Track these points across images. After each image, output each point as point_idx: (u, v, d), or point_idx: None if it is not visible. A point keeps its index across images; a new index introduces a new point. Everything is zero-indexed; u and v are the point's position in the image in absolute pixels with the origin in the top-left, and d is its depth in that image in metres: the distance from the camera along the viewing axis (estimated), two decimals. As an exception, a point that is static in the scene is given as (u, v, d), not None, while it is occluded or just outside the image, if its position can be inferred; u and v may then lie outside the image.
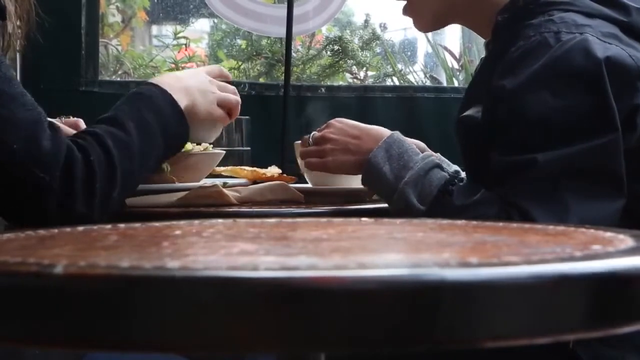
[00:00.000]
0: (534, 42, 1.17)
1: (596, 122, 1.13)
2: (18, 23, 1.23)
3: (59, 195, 1.08)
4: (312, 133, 1.40)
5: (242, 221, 0.82)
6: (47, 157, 1.08)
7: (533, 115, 1.15)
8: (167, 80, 1.29)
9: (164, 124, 1.23)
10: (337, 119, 1.38)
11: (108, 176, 1.12)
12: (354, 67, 3.10)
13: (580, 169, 1.13)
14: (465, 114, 1.28)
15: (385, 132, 1.31)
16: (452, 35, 3.54)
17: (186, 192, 1.32)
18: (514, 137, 1.17)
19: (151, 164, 1.23)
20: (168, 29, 3.70)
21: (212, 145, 1.48)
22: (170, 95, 1.26)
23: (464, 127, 1.27)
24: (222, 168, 1.54)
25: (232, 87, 1.40)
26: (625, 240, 0.61)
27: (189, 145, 1.44)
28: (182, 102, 1.27)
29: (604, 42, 1.16)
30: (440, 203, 1.19)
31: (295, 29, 2.43)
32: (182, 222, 0.81)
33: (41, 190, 1.08)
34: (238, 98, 1.39)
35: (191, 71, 1.46)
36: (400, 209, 1.23)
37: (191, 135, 1.32)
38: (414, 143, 1.32)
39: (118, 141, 1.16)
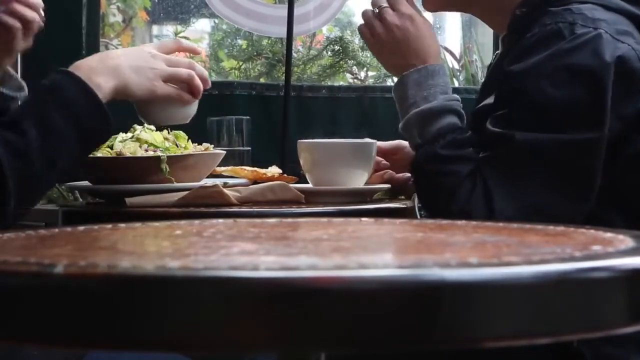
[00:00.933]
0: (548, 31, 1.18)
1: (585, 119, 1.14)
2: None
3: None
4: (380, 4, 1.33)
5: (242, 221, 0.82)
6: None
7: (528, 98, 1.16)
8: (88, 64, 1.19)
9: (76, 119, 1.14)
10: (405, 12, 1.32)
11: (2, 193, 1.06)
12: (355, 67, 3.10)
13: (552, 159, 1.14)
14: (480, 105, 1.29)
15: (431, 53, 1.30)
16: (452, 35, 3.54)
17: (186, 192, 1.32)
18: (505, 112, 1.19)
19: (64, 165, 1.15)
20: (169, 29, 3.70)
21: (212, 146, 1.49)
22: (84, 84, 1.15)
23: (480, 119, 1.27)
24: (222, 168, 1.53)
25: (187, 61, 1.31)
26: (625, 240, 0.61)
27: (189, 145, 1.44)
28: (108, 83, 1.17)
29: (616, 40, 1.16)
30: (431, 143, 1.23)
31: (296, 29, 2.43)
32: (182, 222, 0.81)
33: None
34: (191, 71, 1.29)
35: (130, 49, 1.33)
36: (405, 133, 1.29)
37: (146, 117, 1.28)
38: None
39: (11, 148, 1.08)
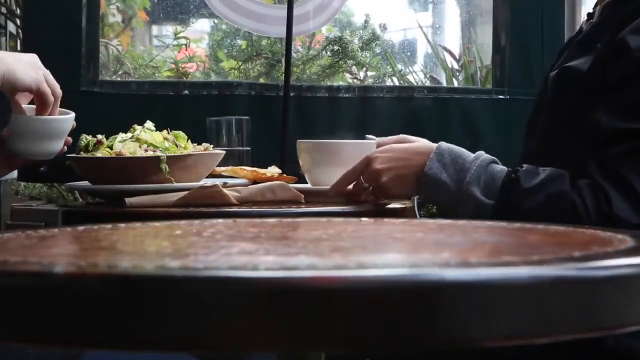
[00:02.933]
0: None
1: None
2: None
3: None
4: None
5: (242, 221, 0.82)
6: None
7: None
8: None
9: None
10: (380, 149, 1.35)
11: None
12: (354, 67, 3.10)
13: None
14: (569, 64, 1.22)
15: (429, 144, 1.30)
16: (452, 35, 3.54)
17: (186, 192, 1.32)
18: (627, 100, 1.12)
19: None
20: (168, 29, 3.70)
21: (212, 146, 1.49)
22: None
23: (563, 79, 1.21)
24: (222, 168, 1.54)
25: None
26: (624, 240, 0.61)
27: (189, 146, 1.44)
28: None
29: None
30: (507, 191, 1.17)
31: (295, 29, 2.43)
32: (182, 222, 0.81)
33: None
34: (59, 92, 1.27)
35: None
36: (469, 212, 1.20)
37: (15, 146, 1.24)
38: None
39: None
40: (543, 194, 1.13)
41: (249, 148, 1.81)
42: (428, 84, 3.19)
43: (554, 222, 1.10)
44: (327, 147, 1.47)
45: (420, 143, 1.32)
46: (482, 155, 1.24)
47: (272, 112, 2.37)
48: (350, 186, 1.35)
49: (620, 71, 1.14)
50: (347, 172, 1.34)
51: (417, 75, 3.29)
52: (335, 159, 1.43)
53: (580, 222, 1.11)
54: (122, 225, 0.79)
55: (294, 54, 2.82)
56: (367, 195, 1.36)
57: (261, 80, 2.98)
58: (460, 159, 1.23)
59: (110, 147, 1.39)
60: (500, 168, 1.21)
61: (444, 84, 3.13)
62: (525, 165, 1.20)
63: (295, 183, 1.48)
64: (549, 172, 1.15)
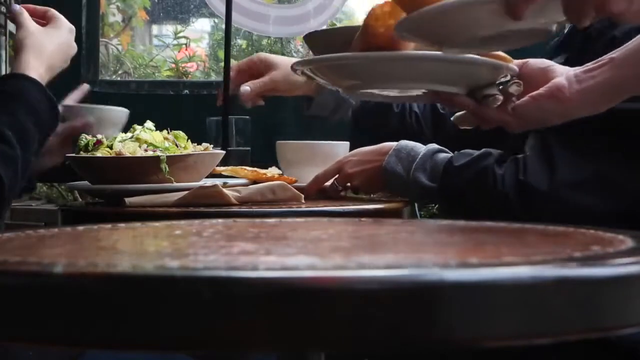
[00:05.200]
0: None
1: None
2: None
3: None
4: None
5: (242, 221, 0.82)
6: None
7: None
8: (33, 65, 1.31)
9: (40, 124, 1.26)
10: (350, 153, 1.45)
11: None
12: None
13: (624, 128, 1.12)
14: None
15: (394, 143, 1.39)
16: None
17: (186, 192, 1.32)
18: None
19: (28, 169, 1.25)
20: (168, 29, 3.70)
21: (211, 146, 1.49)
22: (44, 90, 1.28)
23: None
24: (222, 168, 1.54)
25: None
26: (625, 240, 0.61)
27: (189, 145, 1.44)
28: (47, 74, 1.32)
29: None
30: (447, 173, 1.27)
31: (295, 28, 2.43)
32: (182, 222, 0.81)
33: None
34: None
35: (55, 38, 1.42)
36: (417, 196, 1.33)
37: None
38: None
39: (6, 158, 1.17)
40: (472, 171, 1.25)
41: (249, 148, 1.81)
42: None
43: (483, 197, 1.21)
44: (301, 147, 1.53)
45: (386, 143, 1.40)
46: (431, 145, 1.35)
47: (272, 112, 2.37)
48: (329, 182, 1.45)
49: (578, 48, 1.20)
50: (319, 174, 1.44)
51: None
52: (309, 159, 1.45)
53: (499, 194, 1.20)
54: (122, 225, 0.79)
55: (294, 54, 2.82)
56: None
57: (261, 80, 2.98)
58: (413, 151, 1.35)
59: (110, 147, 1.39)
60: (444, 155, 1.32)
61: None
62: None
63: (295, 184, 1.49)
64: (479, 152, 1.26)
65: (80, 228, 0.77)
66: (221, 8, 2.53)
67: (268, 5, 2.72)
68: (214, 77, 3.17)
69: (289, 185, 1.41)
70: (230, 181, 1.46)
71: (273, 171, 1.52)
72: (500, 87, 1.07)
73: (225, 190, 1.32)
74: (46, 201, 2.98)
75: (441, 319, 0.45)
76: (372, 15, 1.00)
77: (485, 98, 1.05)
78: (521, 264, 0.49)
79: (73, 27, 1.40)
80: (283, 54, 2.96)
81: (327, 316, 0.44)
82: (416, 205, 1.46)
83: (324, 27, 1.22)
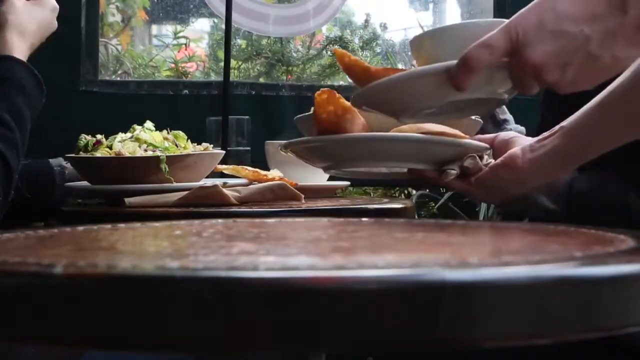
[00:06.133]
0: None
1: None
2: None
3: None
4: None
5: (242, 221, 0.82)
6: None
7: None
8: (18, 45, 1.33)
9: (32, 103, 1.27)
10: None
11: (7, 180, 1.16)
12: (354, 67, 3.09)
13: None
14: None
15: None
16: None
17: (186, 192, 1.32)
18: None
19: (24, 149, 1.26)
20: (168, 29, 3.70)
21: (211, 145, 1.49)
22: (32, 70, 1.30)
23: None
24: (223, 166, 1.54)
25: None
26: (625, 240, 0.61)
27: (189, 145, 1.44)
28: (28, 51, 1.33)
29: None
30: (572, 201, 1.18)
31: (295, 28, 2.43)
32: (181, 222, 0.81)
33: None
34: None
35: (39, 15, 1.41)
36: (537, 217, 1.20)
37: None
38: None
39: (8, 142, 1.19)
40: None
41: (249, 148, 1.82)
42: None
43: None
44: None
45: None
46: None
47: (272, 112, 2.37)
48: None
49: None
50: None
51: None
52: (295, 159, 1.47)
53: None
54: (122, 225, 0.79)
55: (294, 53, 2.82)
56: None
57: (261, 80, 2.98)
58: None
59: (110, 147, 1.39)
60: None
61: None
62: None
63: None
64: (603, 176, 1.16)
65: (80, 228, 0.77)
66: (221, 8, 2.53)
67: (268, 5, 2.72)
68: (213, 77, 3.17)
69: (289, 185, 1.41)
70: (230, 181, 1.46)
71: (274, 173, 1.52)
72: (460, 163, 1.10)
73: (225, 190, 1.32)
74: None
75: (441, 318, 0.45)
76: (315, 103, 1.10)
77: (444, 172, 1.10)
78: (521, 263, 0.49)
79: (57, 6, 1.41)
80: (283, 54, 2.96)
81: (327, 316, 0.44)
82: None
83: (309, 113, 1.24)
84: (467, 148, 1.09)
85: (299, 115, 1.37)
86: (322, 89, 1.11)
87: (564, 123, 1.04)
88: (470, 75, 0.89)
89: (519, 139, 1.14)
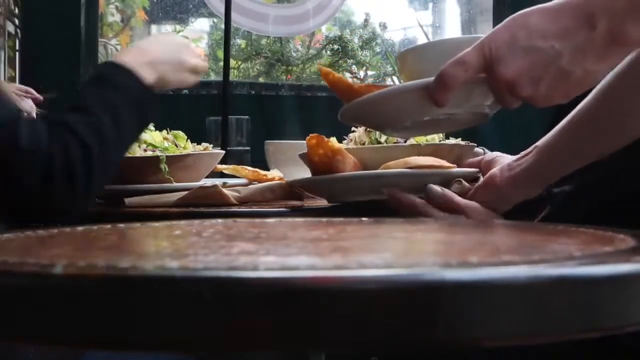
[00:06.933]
0: None
1: None
2: None
3: (40, 196, 1.09)
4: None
5: (241, 221, 0.82)
6: (26, 156, 1.09)
7: None
8: (130, 57, 1.28)
9: (135, 104, 1.23)
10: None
11: (88, 174, 1.13)
12: (354, 66, 3.10)
13: None
14: None
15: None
16: (452, 34, 3.53)
17: (185, 192, 1.32)
18: None
19: (127, 149, 1.25)
20: (167, 29, 3.70)
21: (211, 145, 1.49)
22: (134, 74, 1.25)
23: None
24: (223, 166, 1.54)
25: (199, 51, 1.43)
26: (625, 240, 0.61)
27: (188, 145, 1.44)
28: (151, 77, 1.27)
29: None
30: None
31: (295, 28, 2.43)
32: (181, 222, 0.81)
33: (23, 190, 1.09)
34: (205, 65, 1.42)
35: (161, 39, 1.41)
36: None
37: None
38: None
39: (98, 137, 1.16)
40: None
41: (248, 148, 1.82)
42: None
43: None
44: (290, 147, 1.56)
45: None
46: None
47: (271, 112, 2.37)
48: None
49: None
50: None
51: (416, 75, 3.29)
52: (298, 158, 1.46)
53: None
54: (122, 225, 0.79)
55: (293, 53, 2.82)
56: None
57: (261, 80, 2.98)
58: None
59: (110, 147, 1.39)
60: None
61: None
62: None
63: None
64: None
65: (80, 228, 0.77)
66: (220, 8, 2.53)
67: (267, 4, 2.72)
68: (213, 77, 3.17)
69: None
70: (230, 181, 1.46)
71: (274, 173, 1.52)
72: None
73: (225, 190, 1.32)
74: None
75: (441, 319, 0.45)
76: (307, 147, 1.20)
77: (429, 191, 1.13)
78: (521, 263, 0.49)
79: (194, 64, 1.38)
80: (282, 54, 2.96)
81: (327, 316, 0.44)
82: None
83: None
84: (454, 175, 1.13)
85: (301, 152, 1.36)
86: (310, 134, 1.19)
87: (539, 142, 1.07)
88: (447, 92, 0.92)
89: (500, 159, 1.18)
